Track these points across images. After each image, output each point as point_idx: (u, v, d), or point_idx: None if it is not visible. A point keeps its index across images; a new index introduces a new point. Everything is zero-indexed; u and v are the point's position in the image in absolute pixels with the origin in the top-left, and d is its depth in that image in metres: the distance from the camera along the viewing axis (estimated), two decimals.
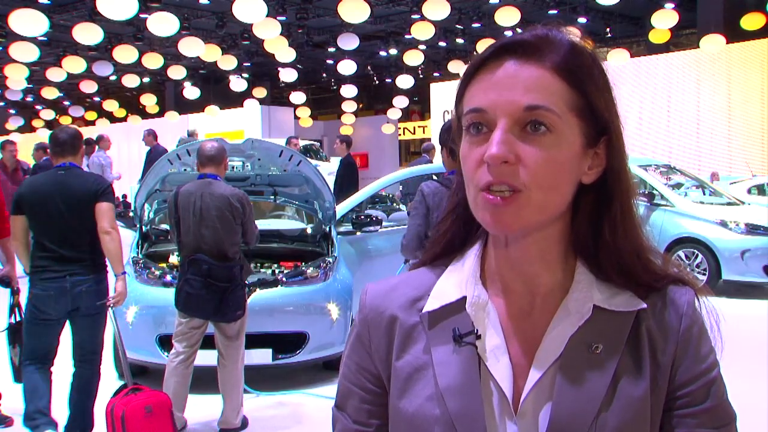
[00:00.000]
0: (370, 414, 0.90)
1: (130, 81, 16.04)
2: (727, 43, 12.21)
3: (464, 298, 0.86)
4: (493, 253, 0.87)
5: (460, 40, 17.34)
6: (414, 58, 14.06)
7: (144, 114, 21.78)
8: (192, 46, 11.93)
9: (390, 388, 0.88)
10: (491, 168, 0.76)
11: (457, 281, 0.88)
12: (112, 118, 22.88)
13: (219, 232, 3.86)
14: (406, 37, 17.39)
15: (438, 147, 3.85)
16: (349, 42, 13.12)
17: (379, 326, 0.90)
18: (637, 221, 0.86)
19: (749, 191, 10.39)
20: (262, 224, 6.14)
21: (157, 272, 5.00)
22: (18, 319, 4.08)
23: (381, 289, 0.93)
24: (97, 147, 11.58)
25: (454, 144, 3.75)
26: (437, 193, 3.53)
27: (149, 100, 19.50)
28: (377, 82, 24.77)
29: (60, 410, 3.91)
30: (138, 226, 5.74)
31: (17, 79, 14.46)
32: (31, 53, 10.63)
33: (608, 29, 17.05)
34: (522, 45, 0.79)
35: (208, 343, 4.42)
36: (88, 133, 19.47)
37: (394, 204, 9.85)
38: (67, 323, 3.76)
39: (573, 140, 0.79)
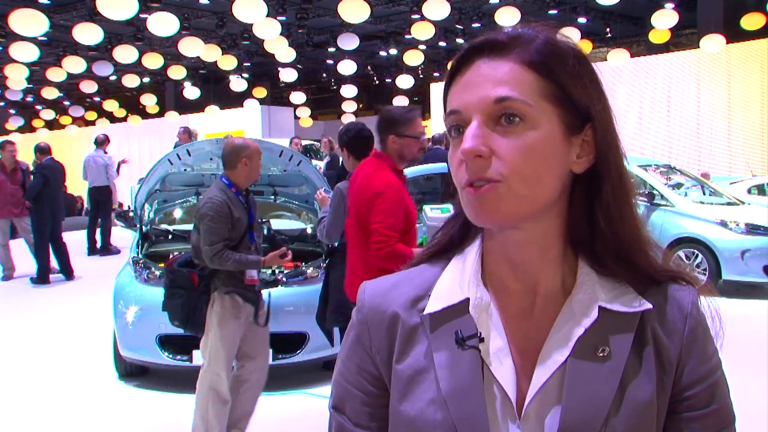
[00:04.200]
0: (370, 416, 0.88)
1: (130, 81, 16.03)
2: (727, 43, 12.20)
3: (467, 300, 0.85)
4: (491, 253, 0.87)
5: (460, 40, 17.33)
6: (414, 58, 14.05)
7: (144, 114, 21.77)
8: (192, 46, 11.92)
9: (390, 391, 0.87)
10: (468, 164, 0.78)
11: (458, 281, 0.87)
12: (112, 118, 22.86)
13: (194, 235, 3.63)
14: (406, 37, 17.40)
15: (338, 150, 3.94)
16: (349, 42, 13.11)
17: (380, 327, 0.88)
18: (634, 212, 0.85)
19: (749, 191, 10.38)
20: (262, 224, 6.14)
21: (158, 272, 5.00)
22: None
23: (380, 288, 0.91)
24: (96, 147, 11.63)
25: (351, 147, 3.81)
26: None
27: (149, 100, 19.49)
28: (377, 82, 24.79)
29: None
30: (138, 226, 5.74)
31: (17, 79, 14.44)
32: (31, 53, 10.62)
33: (608, 29, 17.06)
34: (491, 44, 0.81)
35: None
36: (89, 133, 19.51)
37: None
38: None
39: (550, 128, 0.78)
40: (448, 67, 0.85)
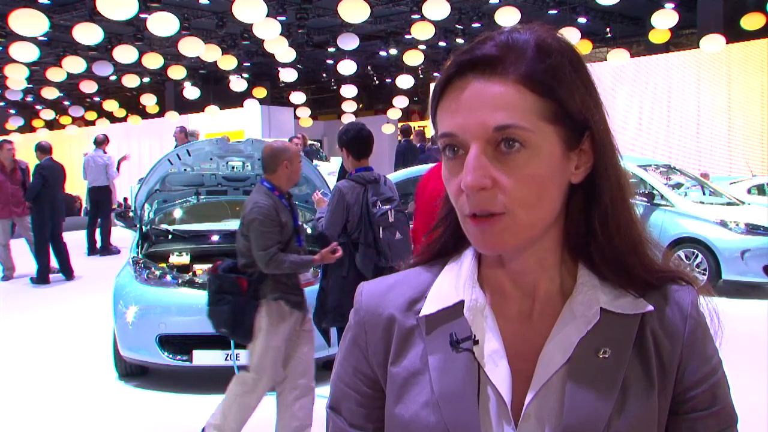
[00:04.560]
0: (366, 417, 0.88)
1: (130, 81, 16.02)
2: (727, 43, 12.19)
3: (462, 302, 0.84)
4: (487, 258, 0.86)
5: (460, 40, 17.32)
6: (414, 58, 14.04)
7: (144, 114, 21.78)
8: (192, 46, 11.92)
9: (386, 393, 0.86)
10: (469, 197, 0.75)
11: (454, 283, 0.86)
12: (112, 118, 22.86)
13: (240, 240, 3.57)
14: (406, 37, 17.39)
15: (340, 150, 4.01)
16: (349, 42, 13.11)
17: (376, 329, 0.88)
18: (633, 215, 0.84)
19: (749, 191, 10.38)
20: None
21: (157, 272, 5.00)
22: None
23: (377, 289, 0.91)
24: (95, 147, 11.64)
25: (350, 147, 3.84)
26: (352, 191, 3.78)
27: (149, 100, 19.48)
28: (377, 82, 24.80)
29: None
30: (138, 226, 5.74)
31: (17, 79, 14.44)
32: (31, 53, 10.62)
33: (608, 29, 17.05)
34: (483, 60, 0.76)
35: (208, 343, 4.41)
36: (89, 133, 19.50)
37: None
38: None
39: (551, 150, 0.76)
40: (440, 76, 0.81)
